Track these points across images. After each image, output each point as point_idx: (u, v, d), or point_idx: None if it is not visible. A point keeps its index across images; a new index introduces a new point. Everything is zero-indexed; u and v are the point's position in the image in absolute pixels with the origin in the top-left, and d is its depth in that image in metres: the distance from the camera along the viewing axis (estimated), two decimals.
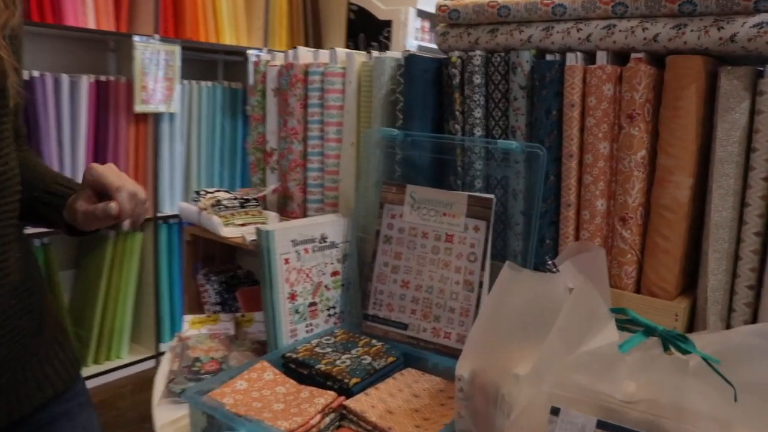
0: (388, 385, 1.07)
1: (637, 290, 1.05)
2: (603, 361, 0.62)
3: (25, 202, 0.94)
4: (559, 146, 1.08)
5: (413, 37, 3.39)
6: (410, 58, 1.21)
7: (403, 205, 1.19)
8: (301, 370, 1.09)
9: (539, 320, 0.83)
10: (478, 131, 1.16)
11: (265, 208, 1.48)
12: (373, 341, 1.17)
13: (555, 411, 0.62)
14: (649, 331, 0.64)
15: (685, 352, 0.61)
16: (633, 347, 0.64)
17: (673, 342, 0.62)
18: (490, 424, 0.86)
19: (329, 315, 1.26)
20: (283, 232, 1.18)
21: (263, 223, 1.38)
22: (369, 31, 3.50)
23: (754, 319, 0.99)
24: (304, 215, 1.43)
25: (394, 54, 1.29)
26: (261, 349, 1.26)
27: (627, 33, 1.03)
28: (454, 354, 1.14)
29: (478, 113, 1.15)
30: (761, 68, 0.95)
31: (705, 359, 0.59)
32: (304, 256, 1.21)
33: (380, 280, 1.20)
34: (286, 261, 1.18)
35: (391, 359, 1.12)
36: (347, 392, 1.03)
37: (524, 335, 0.85)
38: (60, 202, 0.97)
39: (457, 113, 1.17)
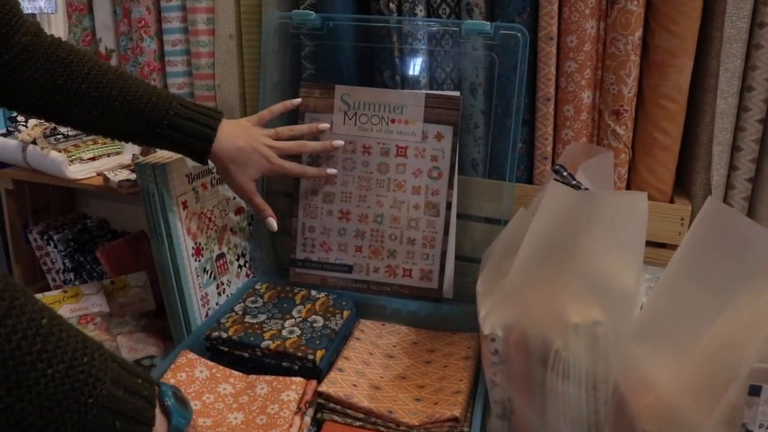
0: (355, 350, 0.88)
1: None
2: None
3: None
4: (534, 27, 0.91)
5: None
6: None
7: (333, 113, 0.95)
8: (240, 353, 0.85)
9: (594, 250, 0.70)
10: (420, 11, 0.94)
11: None
12: (313, 293, 0.95)
13: (755, 390, 0.50)
14: None
15: None
16: None
17: None
18: (537, 388, 0.73)
19: (240, 266, 1.01)
20: (176, 164, 0.88)
21: (118, 153, 1.05)
22: None
23: (749, 214, 0.95)
24: None
25: None
26: (154, 325, 0.98)
27: None
28: (419, 294, 0.98)
29: None
30: None
31: None
32: (203, 194, 0.93)
33: (309, 213, 0.97)
34: (185, 205, 0.90)
35: (346, 313, 0.93)
36: (314, 372, 0.83)
37: (572, 270, 0.71)
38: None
39: None
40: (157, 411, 0.56)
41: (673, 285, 0.61)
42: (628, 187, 0.95)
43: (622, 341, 0.66)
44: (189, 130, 0.82)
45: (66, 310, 0.94)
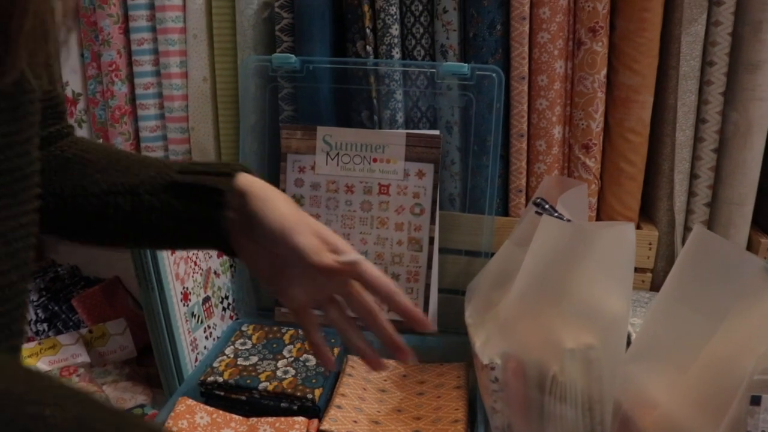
0: (349, 387, 0.91)
1: (597, 221, 1.03)
2: None
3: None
4: (507, 68, 0.98)
5: None
6: None
7: (315, 154, 0.99)
8: (237, 396, 0.87)
9: (586, 278, 0.76)
10: (396, 53, 1.00)
11: None
12: (301, 332, 0.98)
13: (756, 400, 0.56)
14: None
15: None
16: None
17: None
18: (535, 413, 0.78)
19: (224, 309, 1.03)
20: None
21: None
22: None
23: None
24: None
25: None
26: (138, 373, 0.99)
27: None
28: (405, 328, 1.01)
29: (395, 30, 0.99)
30: None
31: None
32: None
33: None
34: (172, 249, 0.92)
35: (336, 350, 0.96)
36: (314, 411, 0.85)
37: (565, 298, 0.77)
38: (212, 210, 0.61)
39: (368, 31, 0.99)
40: None
41: (667, 307, 0.67)
42: (598, 216, 1.02)
43: (615, 363, 0.72)
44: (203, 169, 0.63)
45: (44, 363, 0.94)
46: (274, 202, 0.61)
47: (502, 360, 0.79)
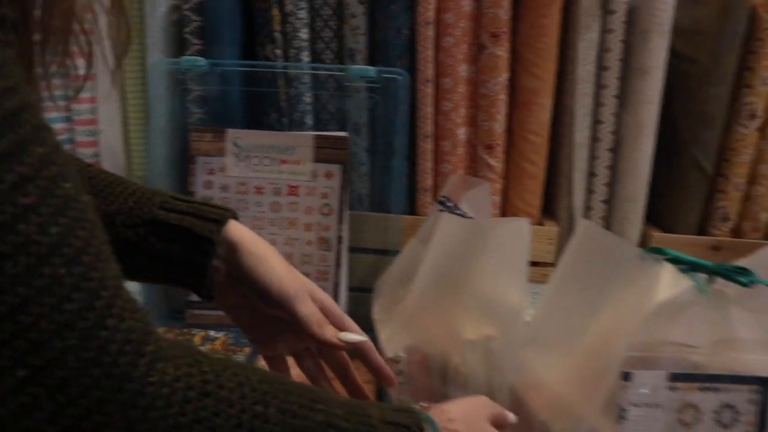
0: None
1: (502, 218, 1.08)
2: (676, 310, 0.62)
3: None
4: (413, 71, 1.01)
5: None
6: None
7: (225, 156, 1.00)
8: None
9: (484, 272, 0.80)
10: (306, 56, 1.02)
11: None
12: (211, 333, 0.99)
13: (627, 376, 0.61)
14: (694, 267, 0.66)
15: (748, 285, 0.64)
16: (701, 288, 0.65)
17: (731, 276, 0.64)
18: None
19: None
20: None
21: None
22: None
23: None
24: None
25: None
26: None
27: None
28: None
29: (304, 34, 1.01)
30: None
31: None
32: None
33: None
34: None
35: (247, 350, 0.97)
36: None
37: (465, 292, 0.81)
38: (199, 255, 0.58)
39: (277, 35, 1.01)
40: None
41: (556, 296, 0.72)
42: (502, 214, 1.07)
43: (514, 353, 0.76)
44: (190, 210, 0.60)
45: None
46: (269, 262, 0.60)
47: (407, 353, 0.83)
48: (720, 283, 0.64)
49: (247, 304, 0.62)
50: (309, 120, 1.04)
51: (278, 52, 1.02)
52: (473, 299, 0.80)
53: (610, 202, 1.08)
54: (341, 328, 0.63)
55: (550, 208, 1.10)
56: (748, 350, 0.63)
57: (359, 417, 0.49)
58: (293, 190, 1.01)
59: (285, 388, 0.47)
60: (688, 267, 0.65)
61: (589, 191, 1.07)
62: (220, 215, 0.59)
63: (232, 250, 0.59)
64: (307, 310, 0.60)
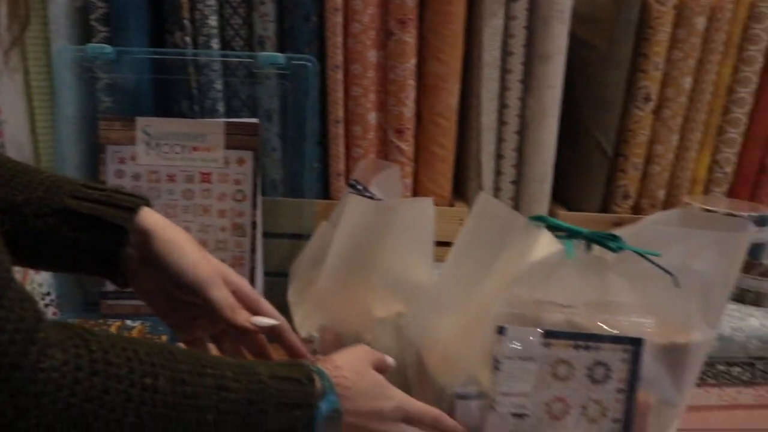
0: None
1: None
2: (547, 271, 0.66)
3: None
4: (323, 57, 1.03)
5: None
6: None
7: (135, 145, 1.00)
8: None
9: (392, 252, 0.83)
10: (215, 44, 1.03)
11: None
12: (128, 323, 0.99)
13: (502, 330, 0.65)
14: (573, 233, 0.70)
15: (616, 250, 0.69)
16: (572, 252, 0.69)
17: (602, 242, 0.69)
18: None
19: (46, 305, 1.02)
20: None
21: None
22: None
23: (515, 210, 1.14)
24: None
25: None
26: None
27: None
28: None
29: (213, 21, 1.01)
30: None
31: (640, 253, 0.68)
32: None
33: None
34: None
35: (164, 338, 0.98)
36: None
37: (374, 271, 0.84)
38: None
39: (185, 22, 1.01)
40: None
41: (455, 263, 0.76)
42: (414, 196, 1.10)
43: (423, 327, 0.80)
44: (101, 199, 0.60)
45: None
46: (183, 248, 0.60)
47: (320, 332, 0.85)
48: (598, 250, 0.68)
49: (163, 291, 0.63)
50: (220, 107, 1.05)
51: (187, 39, 1.02)
52: (382, 278, 0.83)
53: (518, 183, 1.12)
54: (256, 311, 0.64)
55: (460, 189, 1.14)
56: (621, 312, 0.68)
57: (249, 376, 0.51)
58: (206, 177, 1.01)
59: (174, 357, 0.48)
60: (566, 234, 0.69)
61: (498, 173, 1.12)
62: (133, 203, 0.59)
63: (145, 237, 0.59)
64: (220, 295, 0.61)
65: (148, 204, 0.61)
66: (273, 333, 0.66)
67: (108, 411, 0.43)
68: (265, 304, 0.66)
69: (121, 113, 1.02)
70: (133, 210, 0.59)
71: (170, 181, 1.01)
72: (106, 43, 1.00)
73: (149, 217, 0.60)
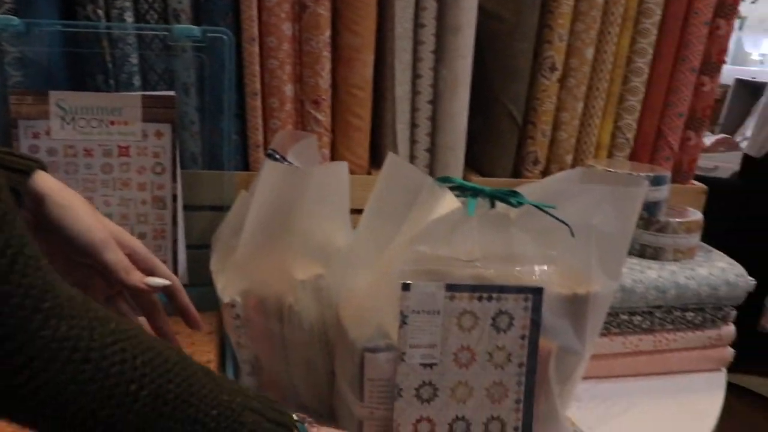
0: None
1: None
2: (448, 228, 0.71)
3: None
4: (237, 30, 1.05)
5: None
6: None
7: (49, 119, 1.00)
8: None
9: (309, 215, 0.86)
10: (129, 17, 1.03)
11: None
12: None
13: (406, 287, 0.69)
14: (476, 192, 0.75)
15: (516, 205, 0.74)
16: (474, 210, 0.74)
17: (504, 198, 0.74)
18: (277, 342, 0.88)
19: None
20: None
21: None
22: None
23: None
24: None
25: None
26: None
27: None
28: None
29: None
30: None
31: (538, 206, 0.73)
32: None
33: None
34: None
35: None
36: None
37: (292, 235, 0.87)
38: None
39: None
40: None
41: (368, 222, 0.81)
42: None
43: (342, 289, 0.83)
44: None
45: None
46: (75, 211, 0.62)
47: (242, 297, 0.88)
48: (503, 208, 0.74)
49: (58, 253, 0.64)
50: (137, 81, 1.05)
51: (100, 12, 1.02)
52: (301, 241, 0.86)
53: (432, 150, 1.17)
54: (151, 271, 0.68)
55: (377, 159, 1.18)
56: (523, 264, 0.74)
57: (231, 423, 0.52)
58: (124, 151, 1.02)
59: (167, 376, 0.49)
60: (471, 192, 0.74)
61: (413, 141, 1.16)
62: (26, 166, 0.60)
63: (39, 201, 0.61)
64: (114, 257, 0.64)
65: (42, 167, 0.62)
66: (166, 293, 0.69)
67: (87, 399, 0.45)
68: (158, 263, 0.69)
69: (33, 87, 1.02)
70: (26, 173, 0.60)
71: (88, 156, 1.02)
72: (12, 15, 1.00)
73: (43, 181, 0.61)
